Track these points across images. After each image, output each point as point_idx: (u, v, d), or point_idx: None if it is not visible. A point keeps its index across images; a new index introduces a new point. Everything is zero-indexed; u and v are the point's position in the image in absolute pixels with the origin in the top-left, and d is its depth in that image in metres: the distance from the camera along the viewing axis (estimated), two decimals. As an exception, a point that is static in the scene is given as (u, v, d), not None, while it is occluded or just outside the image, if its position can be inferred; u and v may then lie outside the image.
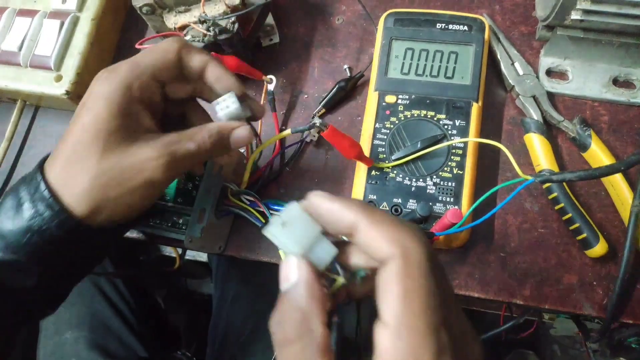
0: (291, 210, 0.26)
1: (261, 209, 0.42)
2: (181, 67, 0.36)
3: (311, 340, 0.23)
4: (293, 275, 0.25)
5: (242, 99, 0.38)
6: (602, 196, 0.46)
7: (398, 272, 0.23)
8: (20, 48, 0.52)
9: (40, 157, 0.55)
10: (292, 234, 0.26)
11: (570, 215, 0.44)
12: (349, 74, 0.52)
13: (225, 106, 0.36)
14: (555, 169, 0.45)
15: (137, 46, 0.42)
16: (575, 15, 0.41)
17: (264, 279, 0.65)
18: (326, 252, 0.26)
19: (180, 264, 0.80)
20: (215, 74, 0.36)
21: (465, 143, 0.45)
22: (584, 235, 0.43)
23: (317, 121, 0.39)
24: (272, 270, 0.34)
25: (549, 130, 0.47)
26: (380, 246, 0.24)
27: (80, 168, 0.33)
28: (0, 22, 0.53)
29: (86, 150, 0.33)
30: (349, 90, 0.50)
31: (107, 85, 0.33)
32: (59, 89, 0.51)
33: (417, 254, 0.23)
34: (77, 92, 0.51)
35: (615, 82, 0.48)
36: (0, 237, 0.33)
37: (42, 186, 0.33)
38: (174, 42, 0.35)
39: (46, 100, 0.55)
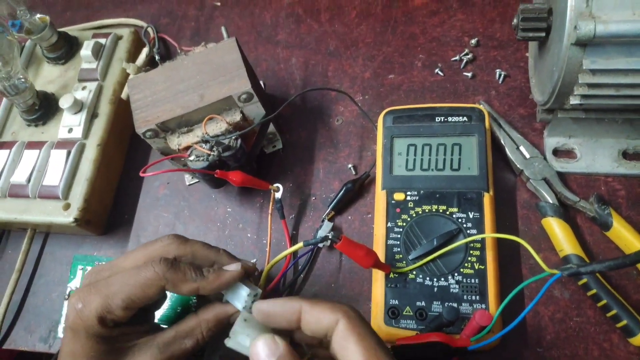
0: (240, 322, 0.33)
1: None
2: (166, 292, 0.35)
3: None
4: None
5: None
6: (635, 276, 0.43)
7: (348, 325, 0.30)
8: (28, 180, 0.53)
9: (50, 285, 0.54)
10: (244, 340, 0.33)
11: (605, 301, 0.41)
12: (354, 173, 0.52)
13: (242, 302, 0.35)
14: (580, 252, 0.43)
15: (141, 174, 0.43)
16: (574, 100, 0.41)
17: None
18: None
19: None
20: (212, 291, 0.35)
21: (483, 236, 0.43)
22: (624, 322, 0.40)
23: (330, 233, 0.38)
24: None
25: (566, 211, 0.46)
26: (326, 316, 0.30)
27: None
28: (10, 156, 0.54)
29: None
30: (357, 190, 0.50)
31: (80, 320, 0.33)
32: (68, 218, 0.51)
33: (354, 312, 0.31)
34: (86, 218, 0.51)
35: (625, 155, 0.47)
36: None
37: None
38: (157, 279, 0.33)
39: (56, 228, 0.55)
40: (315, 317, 0.31)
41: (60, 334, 0.51)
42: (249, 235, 0.52)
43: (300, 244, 0.41)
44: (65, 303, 0.51)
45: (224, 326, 0.36)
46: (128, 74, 0.57)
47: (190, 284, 0.34)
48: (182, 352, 0.35)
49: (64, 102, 0.54)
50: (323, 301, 0.32)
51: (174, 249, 0.36)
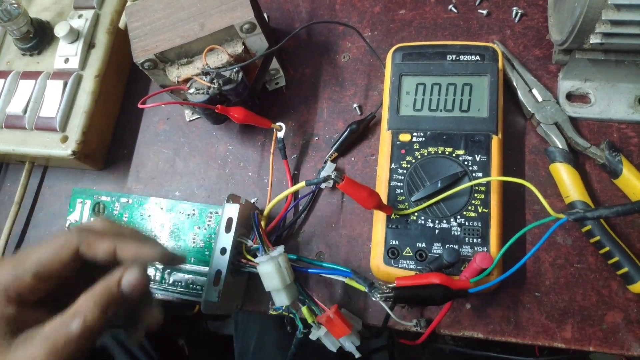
0: None
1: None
2: (84, 259, 0.32)
3: None
4: None
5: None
6: (640, 224, 0.43)
7: None
8: (25, 111, 0.51)
9: (50, 218, 0.54)
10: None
11: (607, 248, 0.41)
12: (359, 113, 0.50)
13: None
14: (587, 199, 0.42)
15: (139, 106, 0.41)
16: (594, 39, 0.39)
17: (284, 329, 0.63)
18: None
19: (199, 307, 0.78)
20: (130, 253, 0.32)
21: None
22: (625, 269, 0.40)
23: (332, 173, 0.37)
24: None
25: (575, 157, 0.44)
26: None
27: None
28: (5, 86, 0.53)
29: None
30: (361, 131, 0.48)
31: None
32: (66, 150, 0.50)
33: None
34: (84, 151, 0.51)
35: (642, 101, 0.45)
36: None
37: None
38: (70, 239, 0.31)
39: (54, 161, 0.54)
40: None
41: (62, 266, 0.51)
42: (250, 174, 0.51)
43: (302, 184, 0.40)
44: (66, 235, 0.51)
45: (118, 296, 0.31)
46: (126, 1, 0.54)
47: (106, 242, 0.31)
48: (72, 337, 0.29)
49: (60, 30, 0.52)
50: None
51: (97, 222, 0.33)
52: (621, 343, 0.40)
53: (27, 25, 0.53)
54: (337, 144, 0.48)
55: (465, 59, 0.46)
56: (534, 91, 0.46)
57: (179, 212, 0.49)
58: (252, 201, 0.49)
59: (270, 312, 0.39)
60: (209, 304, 0.39)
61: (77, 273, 0.32)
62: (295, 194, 0.48)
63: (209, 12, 0.44)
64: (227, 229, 0.41)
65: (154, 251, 0.32)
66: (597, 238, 0.41)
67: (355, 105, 0.51)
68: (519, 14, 0.50)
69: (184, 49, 0.45)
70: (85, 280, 0.31)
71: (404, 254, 0.42)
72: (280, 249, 0.39)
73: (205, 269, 0.47)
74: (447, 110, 0.45)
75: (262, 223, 0.44)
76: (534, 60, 0.49)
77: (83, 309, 0.30)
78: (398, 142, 0.45)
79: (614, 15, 0.36)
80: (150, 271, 0.47)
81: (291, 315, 0.40)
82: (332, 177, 0.37)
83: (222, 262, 0.40)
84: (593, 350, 0.41)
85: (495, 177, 0.42)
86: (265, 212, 0.45)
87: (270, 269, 0.38)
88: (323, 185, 0.48)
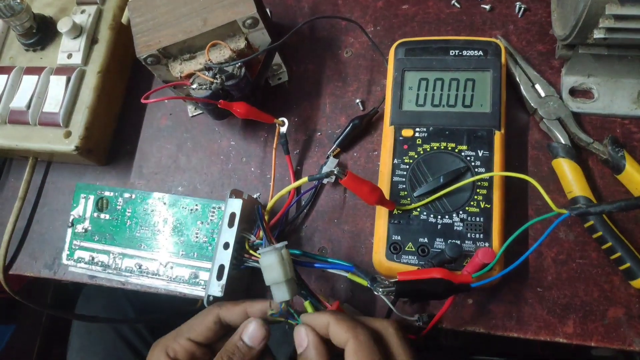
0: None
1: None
2: (225, 324, 0.40)
3: None
4: (304, 341, 0.35)
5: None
6: (642, 220, 0.43)
7: (353, 348, 0.33)
8: (28, 106, 0.51)
9: (54, 214, 0.54)
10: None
11: (610, 244, 0.41)
12: (361, 109, 0.50)
13: None
14: (589, 195, 0.42)
15: (142, 101, 0.41)
16: (598, 34, 0.39)
17: (283, 326, 0.63)
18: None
19: (202, 302, 0.78)
20: (258, 311, 0.39)
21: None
22: (627, 265, 0.40)
23: (335, 168, 0.37)
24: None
25: (578, 153, 0.44)
26: (341, 334, 0.34)
27: None
28: (8, 81, 0.53)
29: None
30: (364, 126, 0.48)
31: (151, 352, 0.40)
32: (69, 146, 0.50)
33: (365, 336, 0.33)
34: (87, 147, 0.51)
35: (645, 96, 0.45)
36: None
37: None
38: (212, 308, 0.40)
39: (57, 156, 0.54)
40: (334, 333, 0.34)
41: (64, 261, 0.51)
42: (252, 169, 0.51)
43: (304, 179, 0.40)
44: (69, 230, 0.51)
45: (242, 353, 0.38)
46: (128, -3, 0.54)
47: (239, 306, 0.40)
48: None
49: (63, 26, 0.52)
50: (347, 319, 0.35)
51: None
52: (623, 338, 0.40)
53: (30, 20, 0.53)
54: (339, 139, 0.48)
55: (468, 54, 0.46)
56: (537, 86, 0.46)
57: (182, 207, 0.49)
58: (254, 196, 0.49)
59: (271, 312, 0.38)
60: (212, 299, 0.40)
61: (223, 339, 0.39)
62: (297, 189, 0.48)
63: (212, 7, 0.44)
64: (230, 224, 0.41)
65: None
66: (600, 233, 0.41)
67: (357, 100, 0.51)
68: (522, 9, 0.50)
69: (187, 44, 0.45)
70: None
71: (406, 249, 0.42)
72: (283, 243, 0.40)
73: (207, 264, 0.47)
74: (450, 106, 0.45)
75: (266, 217, 0.44)
76: (537, 56, 0.49)
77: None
78: (400, 138, 0.45)
79: (618, 10, 0.36)
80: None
81: (291, 321, 0.38)
82: (335, 172, 0.37)
83: (225, 256, 0.40)
84: (595, 345, 0.41)
85: (498, 173, 0.42)
86: (268, 207, 0.45)
87: (273, 259, 0.37)
88: (325, 181, 0.48)
